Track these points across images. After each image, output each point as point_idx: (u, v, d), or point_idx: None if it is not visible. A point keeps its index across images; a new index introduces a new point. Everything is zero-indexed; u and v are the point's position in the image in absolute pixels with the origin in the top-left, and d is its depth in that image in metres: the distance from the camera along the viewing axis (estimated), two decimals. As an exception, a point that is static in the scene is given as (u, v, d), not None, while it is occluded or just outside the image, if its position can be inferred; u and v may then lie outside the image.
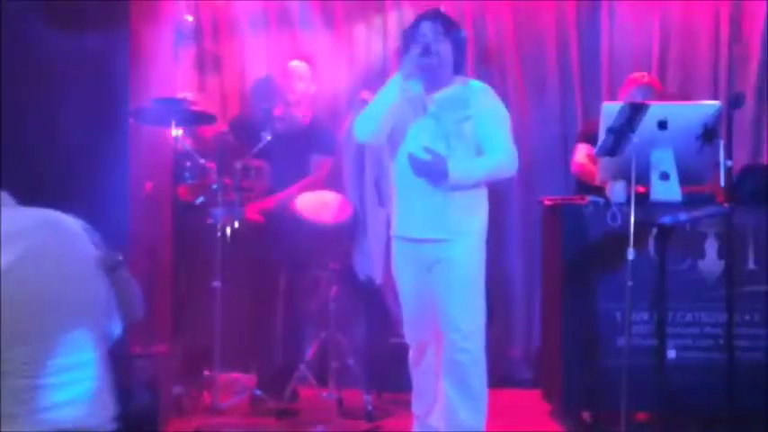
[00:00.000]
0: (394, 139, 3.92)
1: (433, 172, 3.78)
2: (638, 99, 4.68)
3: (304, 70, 5.22)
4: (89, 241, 2.53)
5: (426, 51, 3.78)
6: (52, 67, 4.23)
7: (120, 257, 2.61)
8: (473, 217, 3.89)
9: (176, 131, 4.48)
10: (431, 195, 3.82)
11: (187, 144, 4.64)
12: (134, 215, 4.29)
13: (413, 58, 3.80)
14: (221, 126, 5.16)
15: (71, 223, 2.55)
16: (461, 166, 3.79)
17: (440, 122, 3.86)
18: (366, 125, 3.93)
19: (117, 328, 2.61)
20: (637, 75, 5.21)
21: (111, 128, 4.22)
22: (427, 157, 3.77)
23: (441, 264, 3.84)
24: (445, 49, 3.87)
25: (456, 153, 3.81)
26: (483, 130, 3.86)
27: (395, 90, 3.82)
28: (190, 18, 5.44)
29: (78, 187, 4.13)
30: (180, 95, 4.76)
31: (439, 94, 3.90)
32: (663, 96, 5.09)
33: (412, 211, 3.89)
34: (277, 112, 5.03)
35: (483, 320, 3.86)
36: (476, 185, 3.88)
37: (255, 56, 5.72)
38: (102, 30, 4.20)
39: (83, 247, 2.50)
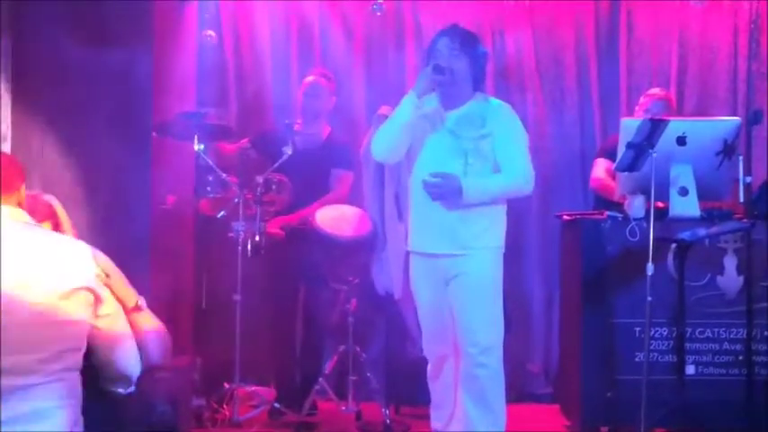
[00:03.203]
0: (412, 154, 3.95)
1: (447, 193, 3.80)
2: (656, 113, 4.71)
3: (320, 85, 5.23)
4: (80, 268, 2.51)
5: (437, 69, 3.80)
6: (76, 80, 4.28)
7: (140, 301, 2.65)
8: (490, 232, 3.91)
9: (199, 146, 4.51)
10: (447, 210, 3.85)
11: (209, 158, 4.67)
12: (156, 228, 4.33)
13: (426, 75, 3.83)
14: (242, 142, 5.19)
15: (63, 248, 2.52)
16: (476, 184, 3.81)
17: (457, 139, 3.88)
18: (381, 143, 3.96)
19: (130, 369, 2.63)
20: (654, 90, 5.23)
21: (134, 142, 4.25)
22: (437, 180, 3.79)
23: (458, 278, 3.86)
24: (460, 65, 3.88)
25: (473, 170, 3.84)
26: (500, 149, 3.88)
27: (409, 108, 3.84)
28: (212, 33, 5.49)
29: (101, 200, 4.18)
30: (202, 110, 4.79)
31: (457, 111, 3.92)
32: (679, 112, 5.10)
33: (428, 227, 3.92)
34: (296, 127, 5.06)
35: (501, 335, 3.87)
36: (492, 202, 3.90)
37: (277, 71, 5.76)
38: (126, 44, 4.25)
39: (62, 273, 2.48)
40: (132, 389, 2.67)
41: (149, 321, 2.68)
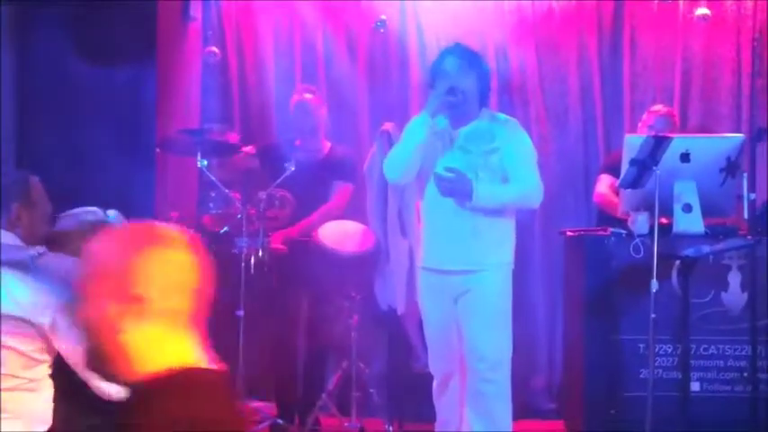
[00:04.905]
0: (423, 174, 3.96)
1: (457, 190, 3.81)
2: (659, 129, 4.71)
3: (306, 101, 5.20)
4: None
5: (452, 91, 3.82)
6: (81, 97, 4.30)
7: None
8: (500, 248, 3.92)
9: (202, 162, 4.52)
10: (459, 227, 3.85)
11: (212, 174, 4.67)
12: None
13: (438, 97, 3.84)
14: (249, 149, 5.16)
15: None
16: (486, 189, 3.82)
17: (467, 155, 3.89)
18: (395, 166, 3.96)
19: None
20: (656, 107, 5.24)
21: (138, 158, 4.27)
22: (450, 176, 3.80)
23: (468, 294, 3.85)
24: (469, 84, 3.90)
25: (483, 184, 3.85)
26: (509, 163, 3.89)
27: (422, 129, 3.85)
28: (216, 50, 5.50)
29: (105, 216, 4.17)
30: (205, 126, 4.79)
31: (466, 129, 3.94)
32: (682, 129, 5.10)
33: (440, 243, 3.92)
34: (297, 142, 5.07)
35: (509, 352, 3.87)
36: (502, 213, 3.91)
37: (280, 87, 5.76)
38: (131, 61, 4.27)
39: None
40: None
41: (63, 342, 2.58)
